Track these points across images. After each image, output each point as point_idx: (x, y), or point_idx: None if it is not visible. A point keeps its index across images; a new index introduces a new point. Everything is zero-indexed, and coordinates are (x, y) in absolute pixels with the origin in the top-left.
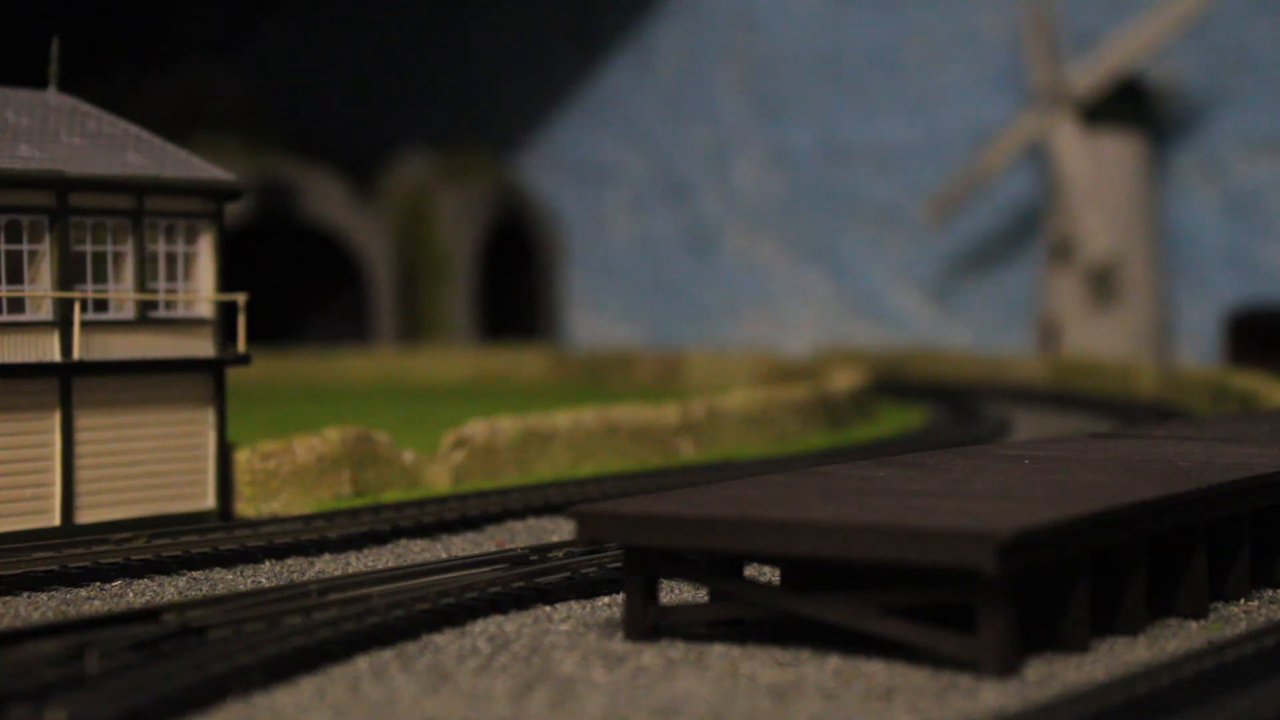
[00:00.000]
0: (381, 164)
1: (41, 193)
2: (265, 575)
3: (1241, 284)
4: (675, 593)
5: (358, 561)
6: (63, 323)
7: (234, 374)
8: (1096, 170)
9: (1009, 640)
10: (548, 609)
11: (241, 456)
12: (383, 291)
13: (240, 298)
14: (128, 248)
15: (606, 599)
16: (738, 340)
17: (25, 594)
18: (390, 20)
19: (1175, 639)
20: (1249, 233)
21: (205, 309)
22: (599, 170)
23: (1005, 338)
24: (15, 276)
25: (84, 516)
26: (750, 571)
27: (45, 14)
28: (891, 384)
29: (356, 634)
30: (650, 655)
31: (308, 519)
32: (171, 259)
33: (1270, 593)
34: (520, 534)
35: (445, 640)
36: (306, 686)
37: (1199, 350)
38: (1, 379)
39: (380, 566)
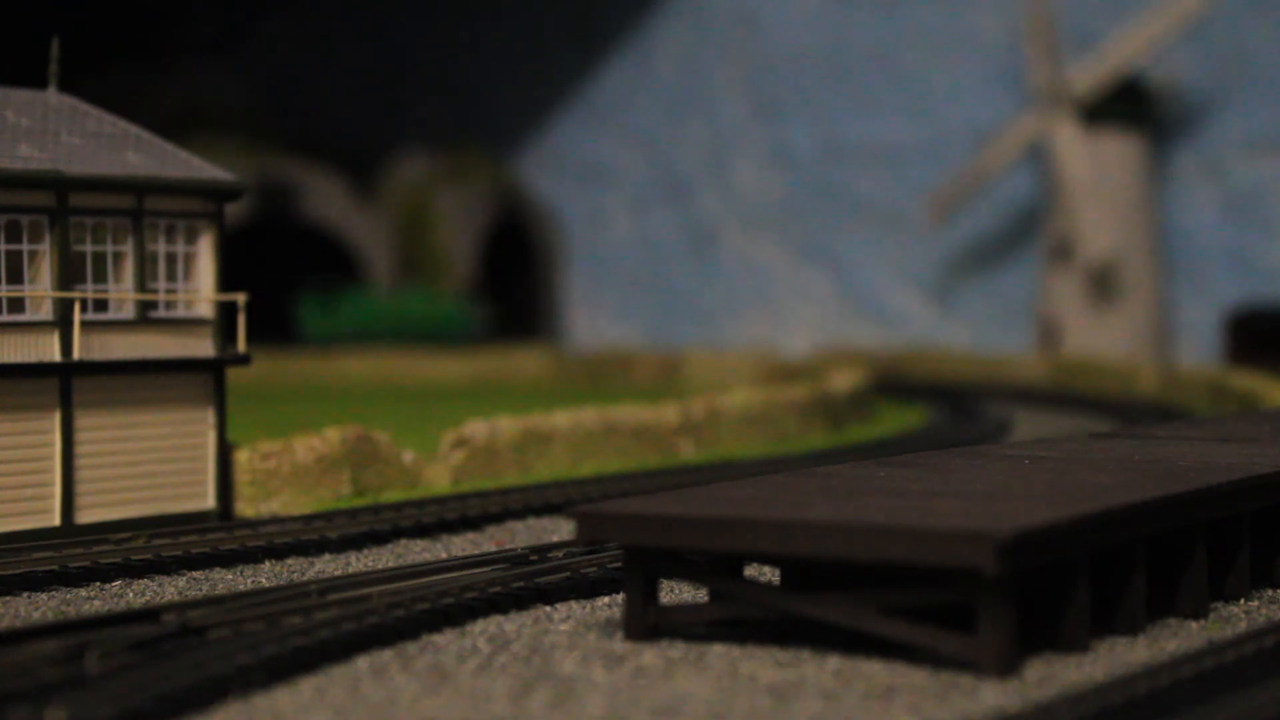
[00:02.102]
0: (381, 164)
1: (41, 193)
2: (265, 575)
3: (1241, 284)
4: (675, 593)
5: (358, 561)
6: (63, 323)
7: (234, 374)
8: (1096, 170)
9: (1009, 640)
10: (548, 609)
11: (241, 456)
12: (383, 291)
13: (240, 298)
14: (128, 248)
15: (606, 599)
16: (738, 340)
17: (25, 594)
18: (390, 20)
19: (1175, 639)
20: (1249, 233)
21: (205, 309)
22: (599, 170)
23: (1005, 338)
24: (15, 276)
25: (84, 516)
26: (750, 571)
27: (45, 14)
28: (891, 384)
29: (356, 634)
30: (650, 655)
31: (308, 519)
32: (171, 259)
33: (1270, 593)
34: (520, 534)
35: (445, 640)
36: (306, 686)
37: (1199, 350)
38: (1, 379)
39: (380, 566)
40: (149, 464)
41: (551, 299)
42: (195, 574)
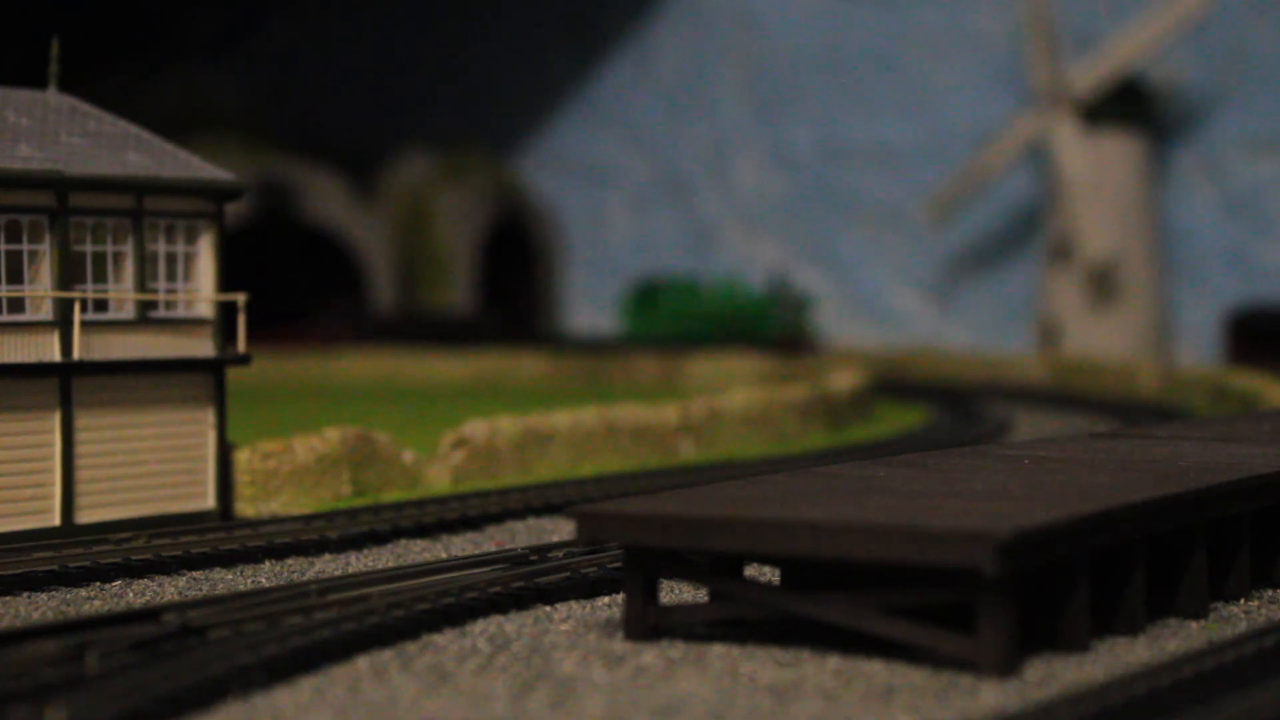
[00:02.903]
0: (381, 164)
1: (41, 193)
2: (265, 575)
3: (1241, 284)
4: (675, 593)
5: (358, 561)
6: (63, 323)
7: (234, 374)
8: (1096, 170)
9: (1009, 640)
10: (548, 609)
11: (241, 456)
12: (383, 292)
13: (240, 298)
14: (128, 248)
15: (606, 599)
16: None
17: (25, 594)
18: (390, 20)
19: (1175, 639)
20: (1249, 233)
21: (205, 309)
22: (599, 170)
23: (1005, 338)
24: (15, 276)
25: (84, 516)
26: (750, 571)
27: (45, 14)
28: (891, 384)
29: (356, 634)
30: (650, 655)
31: (308, 519)
32: (171, 259)
33: (1270, 593)
34: (520, 534)
35: (445, 640)
36: (306, 686)
37: (1199, 350)
38: (1, 379)
39: (380, 566)
40: (149, 464)
41: (551, 299)
42: (195, 574)
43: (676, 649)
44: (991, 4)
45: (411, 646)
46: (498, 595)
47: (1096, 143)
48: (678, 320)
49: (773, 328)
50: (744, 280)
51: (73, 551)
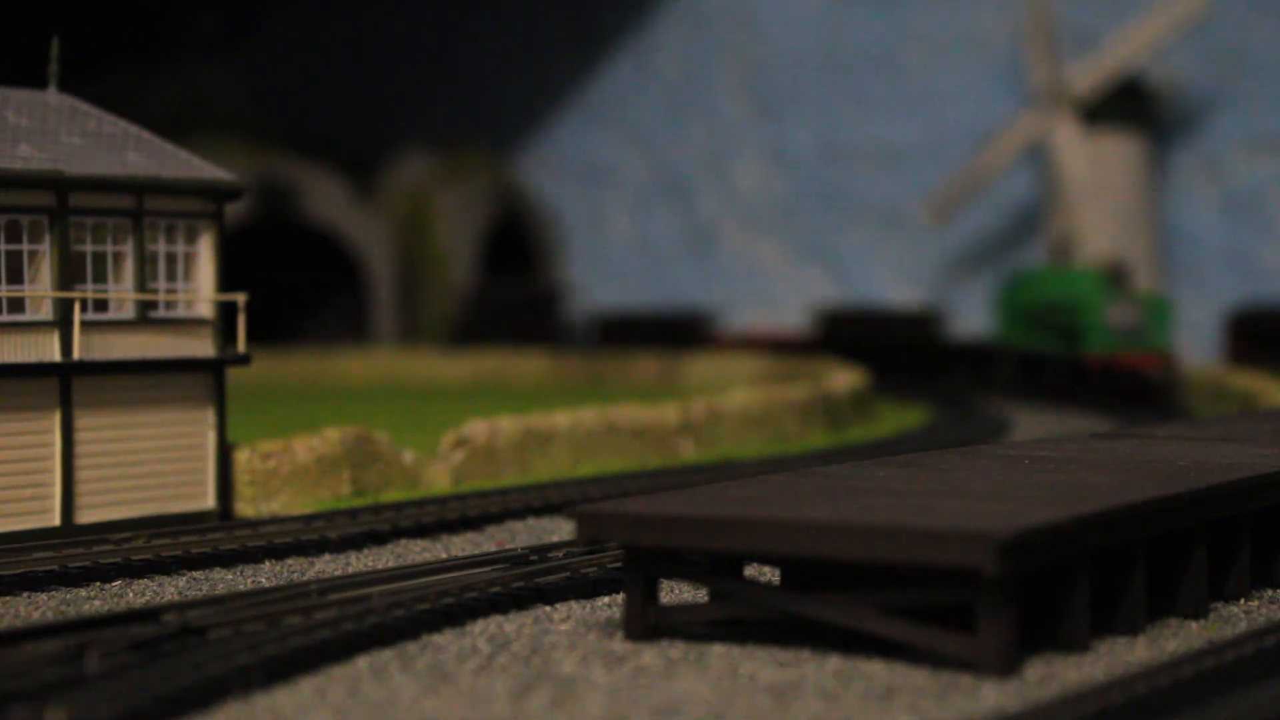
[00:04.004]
0: (381, 164)
1: (41, 193)
2: (265, 575)
3: (1241, 284)
4: (675, 593)
5: (358, 561)
6: (63, 323)
7: (234, 374)
8: (1096, 170)
9: (1009, 640)
10: (548, 609)
11: (241, 456)
12: (382, 291)
13: (240, 298)
14: (128, 248)
15: (606, 599)
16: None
17: (25, 594)
18: (390, 20)
19: (1175, 639)
20: (1249, 233)
21: (205, 309)
22: (599, 170)
23: None
24: (15, 276)
25: (84, 516)
26: (750, 571)
27: (45, 14)
28: (891, 383)
29: (356, 634)
30: (650, 655)
31: (308, 519)
32: (171, 259)
33: (1270, 593)
34: (520, 534)
35: (445, 640)
36: (306, 686)
37: (1199, 350)
38: (2, 379)
39: (380, 566)
40: (149, 464)
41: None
42: (195, 574)
43: (676, 649)
44: (991, 4)
45: (411, 646)
46: (498, 595)
47: (1096, 143)
48: (1021, 320)
49: (1103, 338)
50: (1081, 270)
51: (73, 551)
